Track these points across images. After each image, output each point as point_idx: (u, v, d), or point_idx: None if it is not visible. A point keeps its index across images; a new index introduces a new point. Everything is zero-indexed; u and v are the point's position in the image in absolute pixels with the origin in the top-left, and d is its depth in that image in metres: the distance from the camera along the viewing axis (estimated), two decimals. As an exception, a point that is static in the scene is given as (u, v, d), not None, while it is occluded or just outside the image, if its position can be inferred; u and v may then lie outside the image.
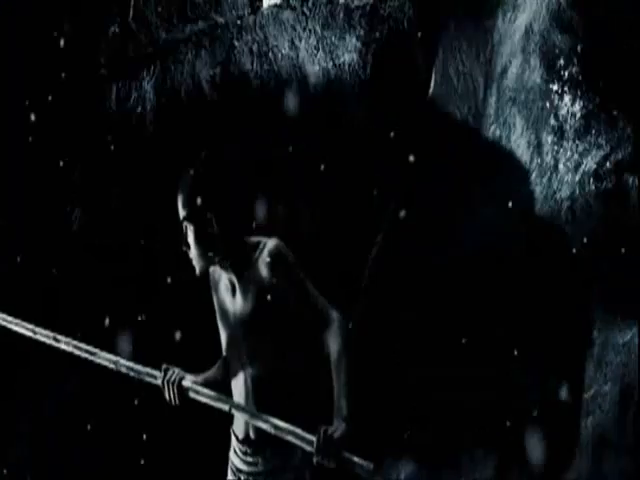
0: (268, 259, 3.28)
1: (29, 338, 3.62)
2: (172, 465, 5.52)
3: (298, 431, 3.17)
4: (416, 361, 5.13)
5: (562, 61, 4.93)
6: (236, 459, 3.45)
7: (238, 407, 3.35)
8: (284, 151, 5.49)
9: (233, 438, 3.48)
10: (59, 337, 3.60)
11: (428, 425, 5.11)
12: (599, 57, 4.86)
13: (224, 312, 3.46)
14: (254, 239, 3.38)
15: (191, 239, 3.36)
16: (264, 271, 3.29)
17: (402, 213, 5.28)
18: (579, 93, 4.90)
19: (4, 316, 3.71)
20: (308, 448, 3.14)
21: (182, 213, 3.39)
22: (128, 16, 5.92)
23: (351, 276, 5.35)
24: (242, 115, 5.64)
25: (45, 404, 5.77)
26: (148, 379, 3.46)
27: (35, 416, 5.77)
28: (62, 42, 5.82)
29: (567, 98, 4.92)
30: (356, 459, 3.13)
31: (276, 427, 3.22)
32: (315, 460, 3.11)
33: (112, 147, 5.85)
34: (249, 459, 3.41)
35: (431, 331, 5.15)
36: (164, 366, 3.43)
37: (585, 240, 4.86)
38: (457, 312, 5.07)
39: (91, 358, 3.53)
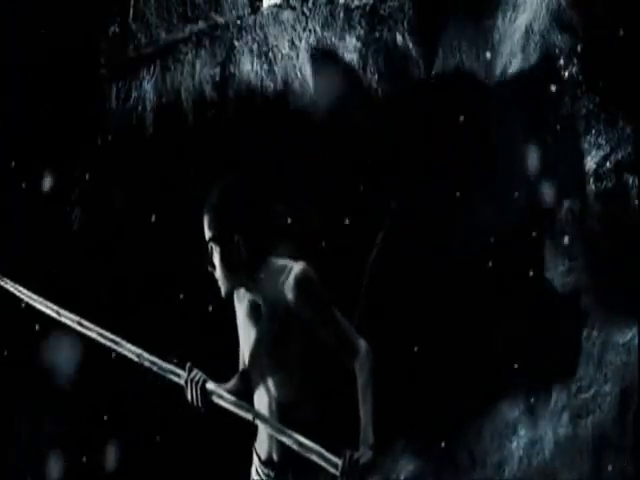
0: (294, 284, 3.22)
1: (29, 338, 3.61)
2: (176, 468, 5.52)
3: (323, 451, 3.12)
4: (416, 361, 5.13)
5: (562, 61, 4.93)
6: (257, 478, 3.38)
7: (262, 418, 3.26)
8: (284, 151, 5.49)
9: (255, 457, 3.40)
10: (84, 322, 3.52)
11: (428, 425, 5.11)
12: (599, 57, 4.86)
13: (248, 332, 3.40)
14: (281, 261, 3.32)
15: (217, 260, 3.31)
16: (290, 295, 3.23)
17: (402, 213, 5.28)
18: (579, 93, 4.90)
19: (30, 294, 3.64)
20: (332, 470, 3.10)
21: (208, 234, 3.32)
22: (128, 16, 5.92)
23: (351, 277, 5.35)
24: (242, 115, 5.63)
25: (46, 404, 5.77)
26: (171, 376, 3.35)
27: (35, 416, 5.77)
28: (62, 42, 5.82)
29: (567, 98, 4.92)
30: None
31: (300, 444, 3.15)
32: None
33: (112, 147, 5.85)
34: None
35: (431, 331, 5.14)
36: (188, 365, 3.33)
37: (585, 240, 4.86)
38: (457, 312, 5.07)
39: (114, 347, 3.45)
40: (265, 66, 5.63)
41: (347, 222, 5.35)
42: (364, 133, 5.37)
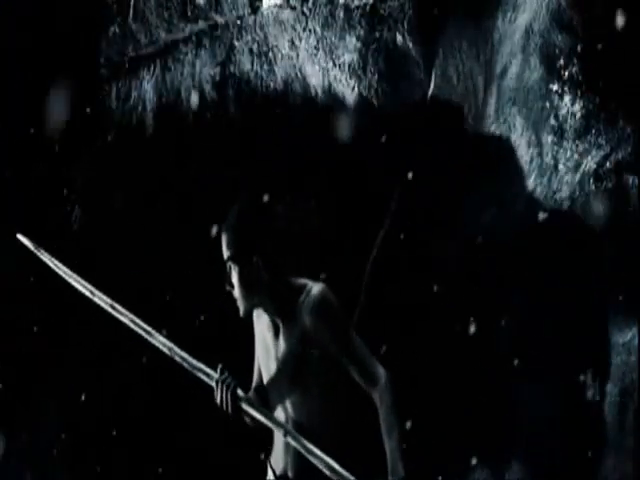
0: (312, 305, 3.20)
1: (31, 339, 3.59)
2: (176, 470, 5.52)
3: (353, 479, 3.08)
4: (416, 361, 5.13)
5: (562, 61, 4.93)
6: None
7: (293, 434, 3.19)
8: (283, 151, 5.49)
9: (270, 471, 3.37)
10: (117, 306, 3.47)
11: (428, 424, 5.11)
12: (599, 57, 4.86)
13: (267, 352, 3.36)
14: (299, 281, 3.29)
15: (235, 280, 3.29)
16: (308, 318, 3.21)
17: (402, 214, 5.28)
18: (579, 93, 4.90)
19: (66, 269, 3.59)
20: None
21: (226, 253, 3.29)
22: (128, 16, 5.92)
23: (351, 278, 5.35)
24: (242, 115, 5.63)
25: (47, 404, 5.77)
26: (201, 375, 3.29)
27: (38, 415, 5.77)
28: (62, 42, 5.81)
29: (567, 98, 4.92)
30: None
31: (331, 469, 3.11)
32: None
33: (112, 147, 5.85)
34: None
35: (431, 331, 5.14)
36: (220, 366, 3.28)
37: (585, 240, 4.86)
38: (457, 311, 5.07)
39: (146, 337, 3.38)
40: (265, 66, 5.63)
41: (347, 222, 5.36)
42: (364, 133, 5.37)
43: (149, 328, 3.39)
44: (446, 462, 5.02)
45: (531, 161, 5.00)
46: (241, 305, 3.31)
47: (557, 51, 4.95)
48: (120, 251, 5.75)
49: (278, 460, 3.33)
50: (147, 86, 5.85)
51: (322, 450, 3.16)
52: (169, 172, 5.72)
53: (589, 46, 4.88)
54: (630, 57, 4.79)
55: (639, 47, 4.78)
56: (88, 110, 5.90)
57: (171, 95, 5.75)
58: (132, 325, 3.43)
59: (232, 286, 3.30)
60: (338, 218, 5.38)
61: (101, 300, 3.50)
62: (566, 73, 4.92)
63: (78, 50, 5.90)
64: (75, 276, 3.57)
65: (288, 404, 3.29)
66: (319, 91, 5.50)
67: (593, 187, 4.86)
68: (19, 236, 3.66)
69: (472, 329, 5.04)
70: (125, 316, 3.44)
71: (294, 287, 3.27)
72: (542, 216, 4.95)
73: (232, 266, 3.29)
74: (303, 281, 3.29)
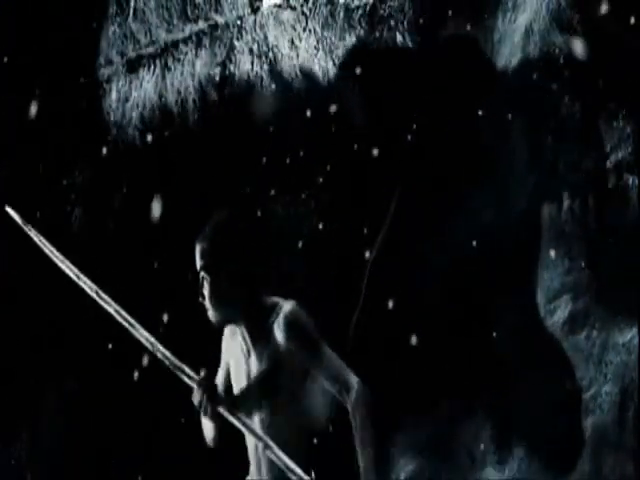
0: (283, 324, 3.24)
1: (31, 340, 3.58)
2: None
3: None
4: (415, 361, 5.13)
5: (562, 61, 4.93)
6: None
7: (275, 451, 3.19)
8: (283, 151, 5.49)
9: None
10: (102, 293, 3.48)
11: (428, 424, 5.11)
12: (599, 57, 4.86)
13: (238, 369, 3.39)
14: (272, 300, 3.32)
15: (206, 291, 3.33)
16: (279, 336, 3.24)
17: (401, 214, 5.28)
18: (579, 93, 4.90)
19: (53, 249, 3.59)
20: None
21: (199, 263, 3.34)
22: (128, 16, 5.92)
23: (350, 279, 5.35)
24: (242, 115, 5.63)
25: (45, 404, 5.77)
26: (181, 375, 3.32)
27: (35, 416, 5.77)
28: (62, 42, 5.82)
29: (567, 98, 4.92)
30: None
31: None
32: None
33: (112, 147, 5.85)
34: None
35: (430, 330, 5.15)
36: (204, 370, 3.32)
37: (585, 240, 4.86)
38: (457, 311, 5.07)
39: (129, 328, 3.40)
40: (265, 66, 5.63)
41: (347, 222, 5.36)
42: (364, 133, 5.37)
43: (132, 320, 3.41)
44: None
45: (531, 161, 5.00)
46: (212, 317, 3.33)
47: (557, 51, 4.95)
48: (120, 251, 5.75)
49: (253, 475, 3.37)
50: (147, 86, 5.85)
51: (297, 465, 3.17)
52: (169, 172, 5.73)
53: (589, 46, 4.88)
54: (630, 57, 4.79)
55: (639, 47, 4.78)
56: (88, 110, 5.90)
57: (171, 95, 5.75)
58: (116, 315, 3.45)
59: (204, 297, 3.31)
60: (337, 219, 5.38)
61: (86, 285, 3.51)
62: (566, 73, 4.92)
63: (78, 50, 5.90)
64: (61, 257, 3.58)
65: (262, 421, 3.30)
66: (319, 91, 5.50)
67: (593, 187, 4.86)
68: (7, 209, 3.67)
69: (472, 329, 5.05)
70: (109, 305, 3.46)
71: (266, 305, 3.29)
72: (542, 216, 4.95)
73: (205, 276, 3.29)
74: (275, 299, 3.31)
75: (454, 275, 5.13)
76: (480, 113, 5.12)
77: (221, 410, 3.26)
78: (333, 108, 5.43)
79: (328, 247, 5.40)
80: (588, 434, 4.79)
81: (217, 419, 3.27)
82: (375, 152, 5.29)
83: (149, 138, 5.79)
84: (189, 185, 5.65)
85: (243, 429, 3.24)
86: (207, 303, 3.33)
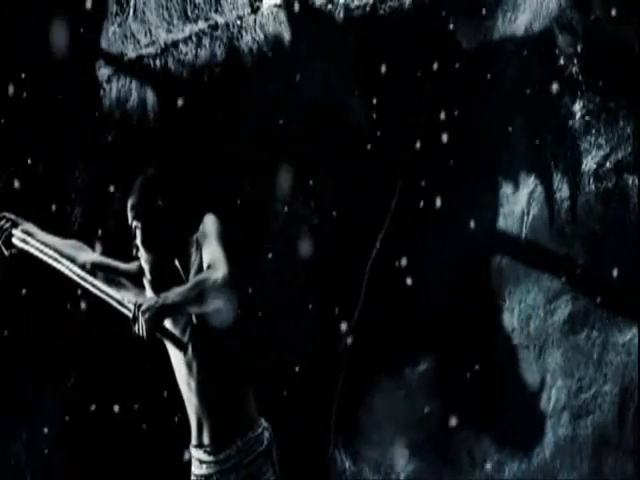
0: (201, 225, 3.42)
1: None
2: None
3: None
4: (415, 361, 5.13)
5: (562, 61, 4.93)
6: (202, 468, 3.47)
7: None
8: (283, 150, 5.49)
9: (193, 450, 3.51)
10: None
11: (428, 424, 5.12)
12: (599, 57, 4.86)
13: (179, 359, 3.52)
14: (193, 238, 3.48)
15: (139, 238, 3.47)
16: (200, 240, 3.39)
17: (401, 214, 5.28)
18: (579, 93, 4.90)
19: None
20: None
21: (130, 215, 3.50)
22: (128, 16, 5.92)
23: (350, 279, 5.35)
24: (242, 115, 5.64)
25: (45, 404, 5.77)
26: (118, 306, 3.40)
27: (35, 417, 5.77)
28: (62, 42, 5.82)
29: (567, 98, 4.92)
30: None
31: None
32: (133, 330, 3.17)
33: (112, 147, 5.85)
34: (219, 457, 3.44)
35: (430, 330, 5.15)
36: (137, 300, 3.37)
37: (585, 240, 4.86)
38: (457, 311, 5.07)
39: (53, 264, 3.57)
40: (265, 66, 5.63)
41: (347, 222, 5.36)
42: (364, 133, 5.37)
43: (57, 255, 3.60)
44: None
45: (531, 161, 5.00)
46: (145, 261, 3.49)
47: (557, 51, 4.95)
48: (120, 251, 5.74)
49: (195, 432, 3.46)
50: (147, 86, 5.85)
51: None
52: (169, 171, 5.72)
53: (589, 46, 4.88)
54: (630, 57, 4.80)
55: (639, 47, 4.79)
56: (88, 110, 5.90)
57: (171, 95, 5.75)
58: (41, 255, 3.57)
59: (137, 248, 3.45)
60: (337, 219, 5.38)
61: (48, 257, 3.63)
62: (566, 73, 4.92)
63: (78, 50, 5.90)
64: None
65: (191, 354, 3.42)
66: (319, 91, 5.50)
67: (593, 187, 4.86)
68: None
69: (472, 329, 5.05)
70: (32, 246, 3.63)
71: (193, 240, 3.45)
72: (542, 216, 4.95)
73: (137, 225, 3.46)
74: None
75: (454, 277, 5.14)
76: (480, 113, 5.13)
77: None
78: (333, 107, 5.43)
79: (327, 248, 5.40)
80: (588, 434, 4.79)
81: (161, 331, 3.31)
82: (374, 150, 5.30)
83: (149, 138, 5.80)
84: (189, 184, 5.65)
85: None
86: (141, 250, 3.48)
